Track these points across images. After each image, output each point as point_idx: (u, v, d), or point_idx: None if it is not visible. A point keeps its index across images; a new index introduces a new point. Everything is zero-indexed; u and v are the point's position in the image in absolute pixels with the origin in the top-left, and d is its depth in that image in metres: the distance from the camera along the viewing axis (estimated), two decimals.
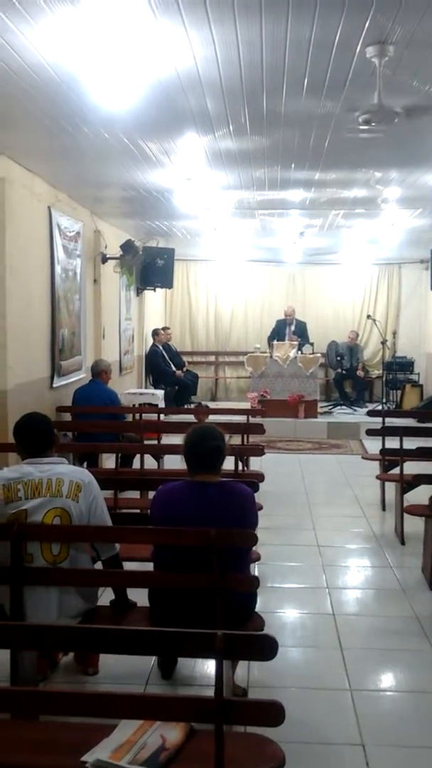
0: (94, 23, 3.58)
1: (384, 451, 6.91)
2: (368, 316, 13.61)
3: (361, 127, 4.85)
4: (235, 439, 6.85)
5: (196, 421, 7.38)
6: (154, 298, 13.73)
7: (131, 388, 11.37)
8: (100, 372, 7.96)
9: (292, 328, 13.30)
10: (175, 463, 4.80)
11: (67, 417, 7.70)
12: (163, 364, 12.68)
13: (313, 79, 4.44)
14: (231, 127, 5.55)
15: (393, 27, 3.67)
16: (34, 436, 3.65)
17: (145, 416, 8.29)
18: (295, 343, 12.53)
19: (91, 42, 3.80)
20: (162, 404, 10.50)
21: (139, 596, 3.66)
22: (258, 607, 3.68)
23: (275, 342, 12.64)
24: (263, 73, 4.35)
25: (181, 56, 4.08)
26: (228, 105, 4.98)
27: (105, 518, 3.61)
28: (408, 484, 6.16)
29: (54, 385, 7.70)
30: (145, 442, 7.25)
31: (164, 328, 13.52)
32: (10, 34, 3.75)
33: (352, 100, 4.71)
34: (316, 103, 4.92)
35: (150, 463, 7.19)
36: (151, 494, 3.76)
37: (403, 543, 6.08)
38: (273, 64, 4.20)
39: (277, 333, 13.21)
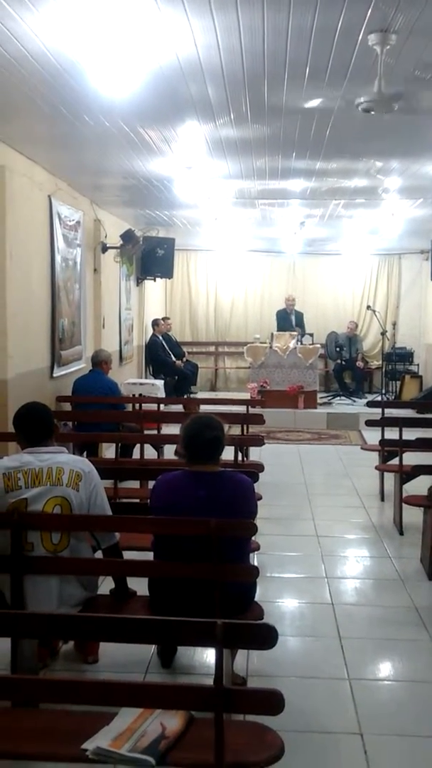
0: (95, 10, 3.56)
1: (383, 442, 6.92)
2: (368, 307, 13.60)
3: (362, 116, 4.82)
4: (235, 430, 6.85)
5: (187, 412, 7.40)
6: (154, 287, 13.71)
7: (131, 378, 11.37)
8: (100, 362, 7.95)
9: (293, 317, 13.31)
10: (174, 452, 4.81)
11: (67, 407, 7.70)
12: (163, 354, 12.68)
13: (314, 67, 4.41)
14: (232, 116, 5.52)
15: (395, 15, 3.65)
16: (34, 426, 3.65)
17: (144, 406, 8.29)
18: (295, 333, 12.53)
19: (92, 29, 3.78)
20: (162, 394, 10.50)
21: (139, 585, 3.67)
22: (257, 597, 3.69)
23: (275, 332, 12.63)
24: (265, 61, 4.33)
25: (183, 44, 4.05)
26: (229, 93, 4.96)
27: (105, 508, 3.61)
28: (407, 474, 6.16)
29: (54, 375, 7.69)
30: (145, 432, 7.26)
31: (164, 318, 13.51)
32: (11, 21, 3.73)
33: (354, 89, 4.69)
34: (318, 92, 4.89)
35: (150, 452, 7.20)
36: (151, 484, 3.76)
37: (401, 533, 6.10)
38: (274, 51, 4.17)
39: (282, 323, 13.22)
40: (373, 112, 4.48)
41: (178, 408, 9.32)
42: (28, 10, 3.60)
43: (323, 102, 5.11)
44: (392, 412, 7.67)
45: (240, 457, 5.65)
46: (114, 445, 6.28)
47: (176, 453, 3.81)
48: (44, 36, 3.92)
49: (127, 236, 10.28)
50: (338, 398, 12.93)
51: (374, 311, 13.20)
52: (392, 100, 4.35)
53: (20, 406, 3.80)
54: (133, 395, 9.52)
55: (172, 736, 2.38)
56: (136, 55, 4.09)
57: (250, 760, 2.33)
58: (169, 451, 6.96)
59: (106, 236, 9.86)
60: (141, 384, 10.87)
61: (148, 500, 3.68)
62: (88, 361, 8.34)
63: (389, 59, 4.09)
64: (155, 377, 12.30)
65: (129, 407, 8.23)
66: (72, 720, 2.55)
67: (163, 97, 5.00)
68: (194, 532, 3.34)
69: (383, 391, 12.94)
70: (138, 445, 6.99)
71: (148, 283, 12.93)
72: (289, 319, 13.32)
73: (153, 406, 8.47)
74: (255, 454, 7.50)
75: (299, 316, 13.41)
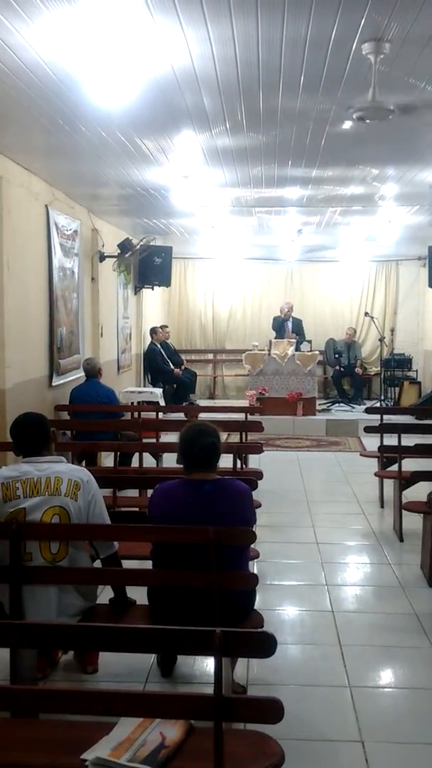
0: (90, 21, 3.58)
1: (382, 448, 6.92)
2: (366, 314, 13.62)
3: (357, 124, 4.85)
4: (234, 437, 6.85)
5: (187, 419, 7.40)
6: (152, 296, 13.73)
7: (129, 387, 11.37)
8: (97, 371, 7.95)
9: (290, 324, 13.32)
10: (173, 461, 4.81)
11: (66, 416, 7.70)
12: (162, 363, 12.68)
13: (309, 76, 4.43)
14: (228, 125, 5.55)
15: (389, 24, 3.67)
16: (30, 436, 3.66)
17: (143, 414, 8.29)
18: (293, 340, 12.54)
19: (87, 40, 3.80)
20: (161, 402, 10.50)
21: (139, 594, 3.67)
22: (257, 605, 3.68)
23: (273, 340, 12.64)
24: (260, 70, 4.35)
25: (178, 54, 4.07)
26: (224, 102, 4.98)
27: (104, 517, 3.61)
28: (406, 481, 6.16)
29: (53, 384, 7.69)
30: (144, 441, 7.26)
31: (162, 327, 13.52)
32: (7, 33, 3.75)
33: (348, 98, 4.71)
34: (313, 100, 4.92)
35: (149, 461, 7.20)
36: (150, 493, 3.76)
37: (401, 540, 6.09)
38: (269, 61, 4.19)
39: (278, 330, 13.22)
40: (368, 121, 4.51)
41: (178, 416, 9.32)
42: (23, 22, 3.62)
43: (318, 110, 5.13)
44: (391, 419, 7.69)
45: (239, 465, 5.65)
46: (113, 453, 6.27)
47: (178, 461, 3.82)
48: (40, 47, 3.94)
49: (125, 245, 10.30)
50: (337, 405, 12.93)
51: (372, 318, 13.23)
52: (387, 108, 4.38)
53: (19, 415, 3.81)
54: (132, 404, 9.53)
55: (172, 745, 2.38)
56: (131, 66, 4.11)
57: None
58: (168, 460, 6.96)
59: (103, 245, 9.88)
60: (139, 392, 10.87)
61: (147, 509, 3.67)
62: None
63: (383, 68, 4.12)
64: (153, 385, 12.31)
65: (127, 415, 8.22)
66: (72, 730, 2.55)
67: (159, 106, 5.03)
68: (193, 540, 3.34)
69: (382, 398, 12.95)
70: (137, 454, 6.99)
71: (146, 292, 12.95)
72: (282, 326, 13.29)
73: (151, 415, 8.47)
74: (254, 461, 7.50)
75: (297, 323, 13.42)
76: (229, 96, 4.83)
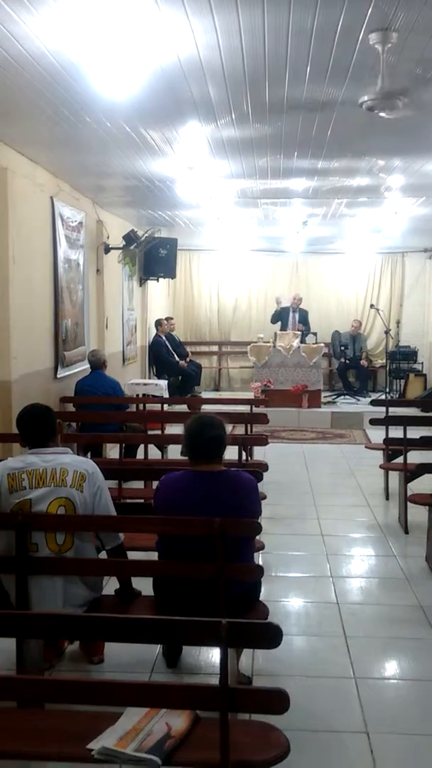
0: (95, 11, 3.57)
1: (387, 441, 6.91)
2: (371, 306, 13.59)
3: (365, 115, 4.81)
4: (239, 429, 6.85)
5: (191, 411, 7.41)
6: (157, 288, 13.72)
7: (135, 379, 11.37)
8: (102, 362, 7.95)
9: (296, 315, 13.29)
10: (178, 452, 4.82)
11: (71, 408, 7.71)
12: (167, 355, 12.68)
13: (315, 66, 4.41)
14: (233, 116, 5.52)
15: (396, 13, 3.64)
16: (36, 427, 3.66)
17: (148, 406, 8.29)
18: (299, 332, 12.51)
19: (92, 30, 3.78)
20: (166, 394, 10.50)
21: (144, 585, 3.68)
22: (262, 596, 3.69)
23: (278, 332, 12.62)
24: (266, 60, 4.33)
25: (183, 44, 4.05)
26: (230, 93, 4.96)
27: (109, 508, 3.62)
28: (411, 473, 6.16)
29: (58, 376, 7.70)
30: (149, 432, 7.26)
31: (167, 318, 13.51)
32: (12, 23, 3.73)
33: (355, 88, 4.68)
34: (319, 91, 4.89)
35: (154, 453, 7.21)
36: (155, 484, 3.77)
37: (406, 532, 6.09)
38: (275, 51, 4.17)
39: (279, 317, 13.17)
40: (376, 111, 4.48)
41: (182, 408, 9.32)
42: (28, 12, 3.60)
43: (325, 101, 5.11)
44: (396, 411, 7.67)
45: (244, 457, 5.65)
46: (118, 445, 6.29)
47: (182, 453, 3.82)
48: (45, 37, 3.93)
49: (130, 237, 10.28)
50: (342, 397, 12.91)
51: (378, 310, 13.19)
52: (395, 98, 4.34)
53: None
54: (137, 395, 9.53)
55: (178, 735, 2.38)
56: (136, 56, 4.09)
57: (255, 760, 2.33)
58: (173, 451, 6.96)
59: (108, 237, 9.87)
60: (145, 384, 10.88)
61: (152, 500, 3.68)
62: None
63: (391, 57, 4.09)
64: (159, 377, 12.31)
65: (132, 407, 8.22)
66: (77, 720, 2.56)
67: (165, 97, 5.00)
68: (198, 531, 3.34)
69: (387, 390, 12.92)
70: (142, 446, 7.00)
71: (151, 284, 12.94)
72: (288, 316, 13.25)
73: (156, 406, 8.47)
74: (259, 453, 7.50)
75: (304, 314, 13.39)
76: (235, 86, 4.81)
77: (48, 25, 3.77)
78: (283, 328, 12.99)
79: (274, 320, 13.30)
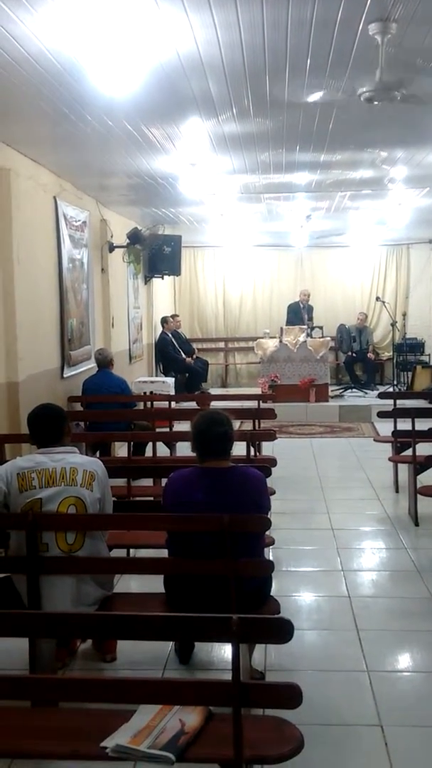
0: (94, 9, 3.56)
1: (396, 433, 6.90)
2: (377, 298, 13.55)
3: (365, 107, 4.80)
4: (247, 425, 6.85)
5: (200, 408, 7.41)
6: (162, 285, 13.72)
7: (141, 376, 11.38)
8: (109, 361, 7.96)
9: (305, 312, 13.28)
10: (187, 449, 4.83)
11: (79, 407, 7.72)
12: (173, 352, 12.68)
13: (315, 59, 4.39)
14: (234, 111, 5.51)
15: (395, 4, 3.62)
16: (47, 427, 3.67)
17: (156, 404, 8.29)
18: (305, 327, 12.50)
19: (91, 28, 3.78)
20: (173, 392, 10.50)
21: (155, 583, 3.68)
22: (273, 591, 3.68)
23: (284, 327, 12.61)
24: (265, 54, 4.31)
25: (183, 40, 4.04)
26: (231, 88, 4.95)
27: (111, 508, 3.69)
28: (421, 465, 6.14)
29: (65, 375, 7.71)
30: (157, 430, 7.26)
31: (173, 316, 13.51)
32: (11, 23, 3.73)
33: (356, 79, 4.66)
34: (320, 83, 4.87)
35: (162, 450, 7.21)
36: (164, 482, 3.77)
37: (417, 524, 6.08)
38: (275, 45, 4.15)
39: (294, 319, 13.17)
40: (375, 102, 4.46)
41: (190, 405, 9.33)
42: (27, 12, 3.60)
43: (325, 93, 5.09)
44: (404, 403, 7.64)
45: (252, 452, 5.64)
46: (126, 443, 6.30)
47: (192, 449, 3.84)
48: (44, 37, 3.92)
49: (134, 235, 10.28)
50: (350, 390, 12.90)
51: (384, 302, 13.15)
52: (394, 89, 4.33)
53: (32, 407, 3.82)
54: (145, 393, 9.54)
55: (192, 731, 2.39)
56: (136, 53, 4.08)
57: (269, 754, 2.34)
58: (182, 449, 6.96)
59: (112, 236, 9.87)
60: (152, 382, 10.88)
61: (162, 498, 3.68)
62: None
63: (390, 48, 4.07)
64: (165, 375, 12.31)
65: (140, 405, 8.23)
66: (91, 718, 2.56)
67: (165, 94, 5.00)
68: (208, 528, 3.34)
69: (395, 382, 12.90)
70: (150, 443, 7.00)
71: (156, 281, 12.94)
72: (301, 313, 13.27)
73: (164, 404, 8.47)
74: (267, 448, 7.50)
75: (310, 310, 13.40)
76: (236, 81, 4.80)
77: (47, 25, 3.76)
78: (291, 323, 12.96)
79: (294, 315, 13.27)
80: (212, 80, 4.76)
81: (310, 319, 13.14)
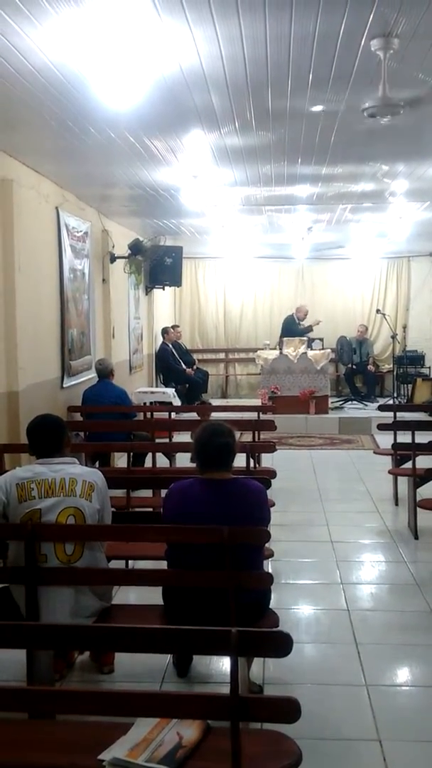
0: (97, 22, 3.59)
1: (396, 446, 6.89)
2: (378, 311, 13.57)
3: (367, 121, 4.82)
4: (247, 436, 6.85)
5: (200, 419, 7.40)
6: (163, 296, 13.75)
7: (142, 387, 11.38)
8: (110, 371, 7.96)
9: (301, 326, 13.28)
10: (187, 461, 4.82)
11: (79, 417, 7.72)
12: (174, 363, 12.69)
13: (317, 73, 4.42)
14: (237, 124, 5.54)
15: (397, 19, 3.66)
16: (46, 437, 3.67)
17: (156, 415, 8.29)
18: (305, 339, 12.51)
19: (95, 41, 3.81)
20: (176, 401, 10.50)
21: (154, 595, 3.67)
22: (272, 604, 3.67)
23: (285, 338, 12.61)
24: (268, 68, 4.34)
25: (185, 54, 4.07)
26: (233, 101, 4.98)
27: (110, 518, 3.68)
28: (421, 478, 6.13)
29: (64, 385, 7.72)
30: (157, 441, 7.26)
31: (174, 326, 13.53)
32: (15, 36, 3.76)
33: (358, 94, 4.70)
34: (322, 98, 4.90)
35: (162, 461, 7.20)
36: (164, 493, 3.77)
37: (416, 537, 6.06)
38: (277, 59, 4.19)
39: (289, 332, 13.15)
40: (378, 117, 4.49)
41: (190, 416, 9.32)
42: (31, 25, 3.63)
43: (327, 107, 5.12)
44: (404, 416, 7.66)
45: (252, 464, 5.64)
46: (126, 454, 6.29)
47: (192, 460, 3.82)
48: (48, 50, 3.95)
49: (135, 246, 10.31)
50: (350, 403, 12.89)
51: (384, 315, 13.17)
52: (397, 104, 4.36)
53: (32, 416, 3.82)
54: (145, 404, 9.53)
55: (189, 745, 2.37)
56: (139, 66, 4.12)
57: None
58: (181, 460, 6.96)
59: (113, 246, 9.90)
60: (152, 392, 10.88)
61: (161, 509, 3.68)
62: None
63: (393, 63, 4.10)
64: (166, 385, 12.32)
65: (140, 416, 8.23)
66: (89, 731, 2.55)
67: (168, 107, 5.03)
68: (207, 540, 3.33)
69: (395, 395, 12.90)
70: (150, 454, 7.00)
71: (157, 292, 12.97)
72: (296, 328, 13.23)
73: (164, 415, 8.47)
74: (267, 460, 7.49)
75: (306, 330, 13.34)
76: (238, 94, 4.83)
77: (51, 38, 3.79)
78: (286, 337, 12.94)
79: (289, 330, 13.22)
80: (215, 93, 4.79)
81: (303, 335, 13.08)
